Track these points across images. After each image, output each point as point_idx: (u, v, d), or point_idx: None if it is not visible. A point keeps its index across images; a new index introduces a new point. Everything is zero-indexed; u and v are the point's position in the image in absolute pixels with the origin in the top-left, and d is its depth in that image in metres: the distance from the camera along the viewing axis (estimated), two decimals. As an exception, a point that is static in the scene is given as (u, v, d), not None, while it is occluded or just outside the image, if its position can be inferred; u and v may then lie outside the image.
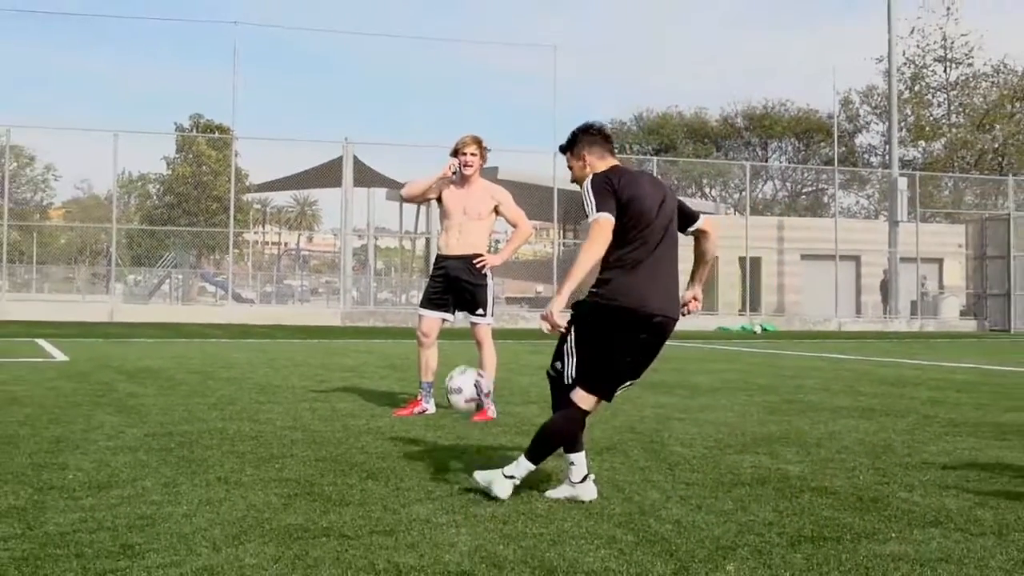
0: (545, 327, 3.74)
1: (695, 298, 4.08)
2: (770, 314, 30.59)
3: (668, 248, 3.83)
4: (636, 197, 3.79)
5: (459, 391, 5.72)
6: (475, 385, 5.73)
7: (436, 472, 4.32)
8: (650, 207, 3.80)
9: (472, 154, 6.28)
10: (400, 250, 53.10)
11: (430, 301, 6.43)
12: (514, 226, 6.48)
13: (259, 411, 6.38)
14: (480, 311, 6.39)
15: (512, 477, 3.78)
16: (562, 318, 3.71)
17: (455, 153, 6.33)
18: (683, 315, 3.93)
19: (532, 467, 3.80)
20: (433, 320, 6.40)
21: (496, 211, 6.41)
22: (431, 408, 6.43)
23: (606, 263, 3.77)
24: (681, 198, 3.99)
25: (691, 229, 4.00)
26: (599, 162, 3.95)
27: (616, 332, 3.75)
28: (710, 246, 4.05)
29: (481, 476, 3.83)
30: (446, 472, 4.32)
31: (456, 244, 6.36)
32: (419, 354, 6.50)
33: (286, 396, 7.36)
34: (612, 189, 3.79)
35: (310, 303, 37.79)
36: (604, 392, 3.83)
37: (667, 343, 3.87)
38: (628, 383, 3.86)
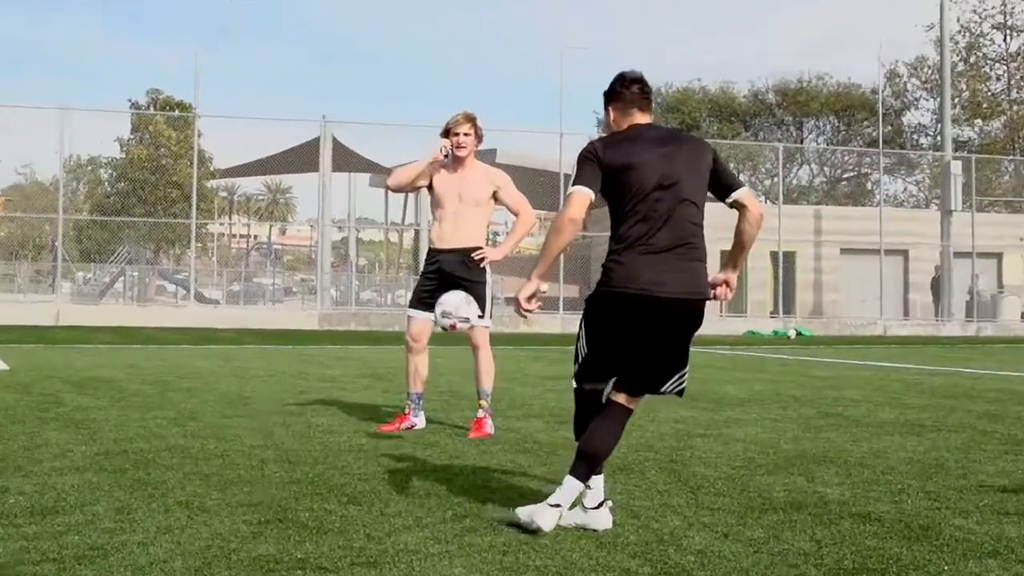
0: (519, 311, 3.90)
1: (727, 283, 3.97)
2: (806, 316, 30.60)
3: (683, 219, 3.74)
4: (632, 165, 3.74)
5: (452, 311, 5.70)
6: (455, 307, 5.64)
7: (426, 496, 4.31)
8: (650, 174, 3.74)
9: (465, 134, 6.28)
10: (385, 244, 53.14)
11: (420, 301, 6.41)
12: (515, 214, 6.47)
13: (225, 427, 6.38)
14: (477, 312, 6.35)
15: (557, 506, 3.71)
16: (535, 304, 3.83)
17: (446, 133, 6.32)
18: (712, 299, 3.87)
19: (580, 486, 3.76)
20: (424, 322, 6.39)
21: (495, 197, 6.40)
22: (420, 423, 6.43)
23: (609, 245, 3.78)
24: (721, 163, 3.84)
25: (729, 200, 3.88)
26: (622, 119, 3.91)
27: (625, 323, 3.73)
28: (750, 226, 3.89)
29: (523, 512, 3.72)
30: (438, 496, 4.32)
31: (450, 236, 6.34)
32: (407, 361, 6.49)
33: (256, 410, 7.36)
34: (595, 158, 3.78)
35: (283, 304, 37.79)
36: (631, 386, 3.80)
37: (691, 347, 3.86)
38: (675, 381, 3.81)
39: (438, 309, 5.62)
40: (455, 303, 5.62)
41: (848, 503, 4.32)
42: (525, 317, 3.79)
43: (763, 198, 45.88)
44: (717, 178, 3.87)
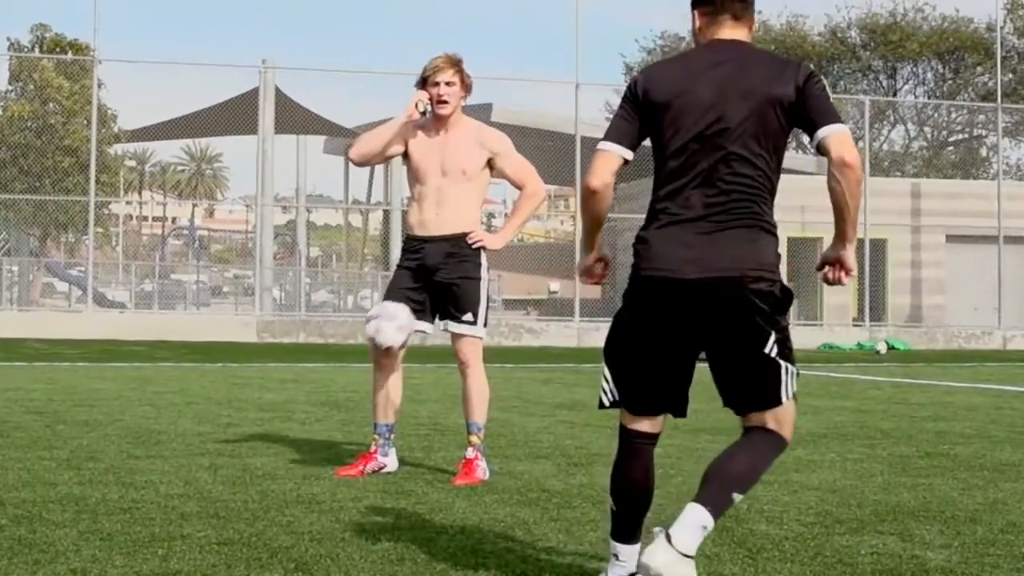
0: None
1: (839, 261, 3.74)
2: (900, 324, 30.62)
3: (728, 177, 3.65)
4: (670, 104, 3.68)
5: (393, 317, 5.95)
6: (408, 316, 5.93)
7: (399, 562, 4.31)
8: (690, 117, 3.66)
9: (448, 83, 6.25)
10: (345, 229, 53.21)
11: (392, 294, 6.41)
12: (519, 187, 6.46)
13: (134, 470, 6.37)
14: (467, 316, 6.34)
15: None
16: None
17: (423, 83, 6.30)
18: (829, 282, 3.77)
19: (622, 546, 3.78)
20: (401, 324, 6.34)
21: (490, 167, 6.38)
22: (391, 464, 6.44)
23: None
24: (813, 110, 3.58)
25: (814, 141, 3.67)
26: (707, 30, 3.82)
27: (649, 317, 3.73)
28: (836, 181, 3.60)
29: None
30: (414, 562, 4.32)
31: (433, 219, 6.31)
32: (374, 382, 6.48)
33: (174, 448, 7.36)
34: (631, 97, 3.76)
35: (210, 308, 37.84)
36: (635, 404, 3.94)
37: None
38: (766, 394, 3.81)
39: (372, 311, 5.75)
40: (393, 311, 5.76)
41: (955, 571, 4.31)
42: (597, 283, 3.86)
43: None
44: (803, 112, 3.66)
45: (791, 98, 3.64)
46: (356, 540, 4.66)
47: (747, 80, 3.66)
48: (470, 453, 6.31)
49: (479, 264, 6.36)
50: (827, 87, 3.70)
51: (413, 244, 6.38)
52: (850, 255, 3.71)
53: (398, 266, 6.50)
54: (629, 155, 3.74)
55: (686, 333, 3.73)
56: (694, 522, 3.62)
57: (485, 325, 6.43)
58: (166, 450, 7.24)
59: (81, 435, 7.90)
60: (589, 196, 3.78)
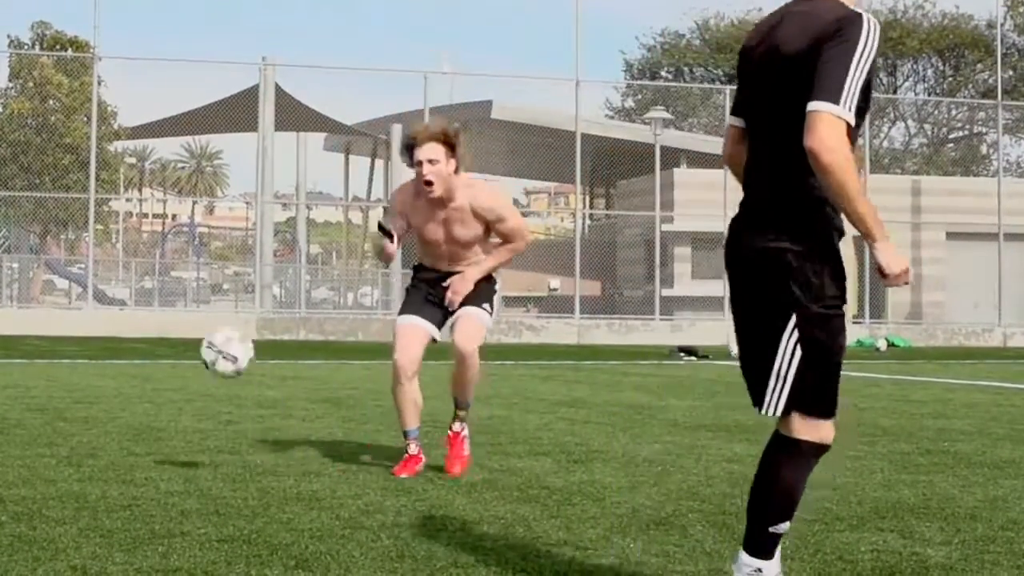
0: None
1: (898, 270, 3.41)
2: (900, 321, 30.63)
3: (753, 155, 3.57)
4: (738, 72, 3.71)
5: (235, 360, 6.08)
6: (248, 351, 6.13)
7: (399, 558, 4.31)
8: (740, 88, 3.68)
9: (431, 160, 6.13)
10: (345, 226, 53.19)
11: (417, 306, 6.49)
12: (506, 243, 6.56)
13: (134, 467, 6.37)
14: (477, 302, 6.47)
15: None
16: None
17: (408, 150, 6.24)
18: (897, 284, 3.45)
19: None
20: (419, 338, 6.40)
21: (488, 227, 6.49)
22: (421, 464, 6.48)
23: None
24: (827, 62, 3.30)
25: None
26: None
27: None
28: (819, 177, 3.31)
29: None
30: (414, 559, 4.32)
31: (446, 267, 6.50)
32: (398, 395, 6.43)
33: (174, 445, 7.36)
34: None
35: (210, 306, 37.84)
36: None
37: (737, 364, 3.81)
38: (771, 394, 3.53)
39: (207, 339, 6.02)
40: (224, 338, 6.01)
41: (955, 568, 4.31)
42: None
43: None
44: (810, 78, 3.32)
45: (805, 59, 3.42)
46: (356, 537, 4.66)
47: (778, 34, 3.61)
48: (457, 427, 6.51)
49: (493, 279, 6.57)
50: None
51: (427, 268, 6.54)
52: (880, 254, 3.37)
53: (411, 286, 6.60)
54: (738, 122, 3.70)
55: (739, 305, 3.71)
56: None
57: (493, 312, 6.58)
58: (166, 447, 7.24)
59: (81, 432, 7.91)
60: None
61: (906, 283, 3.45)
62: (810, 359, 3.43)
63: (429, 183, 6.14)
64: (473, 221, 6.34)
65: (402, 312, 6.50)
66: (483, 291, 6.50)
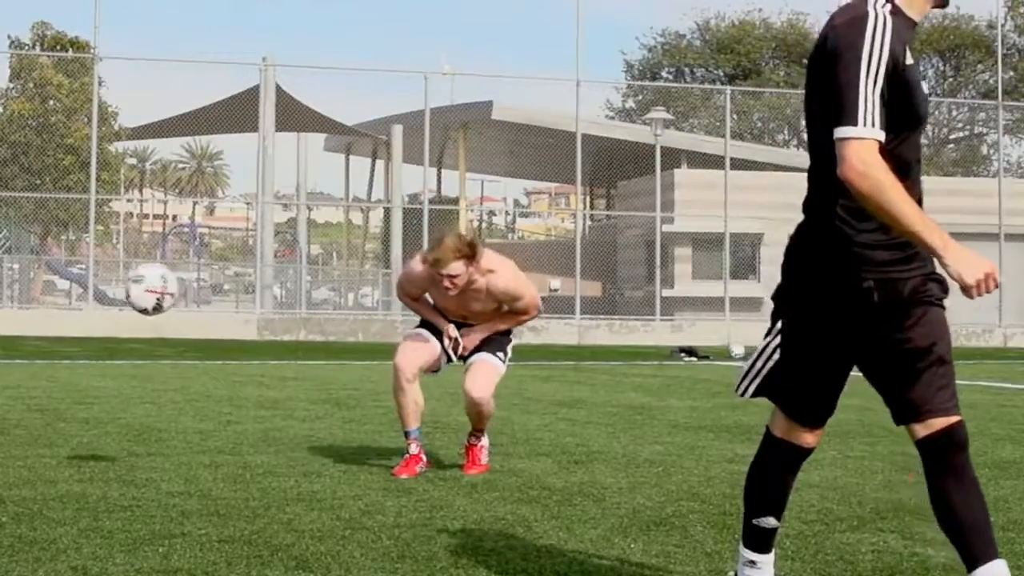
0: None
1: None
2: (901, 322, 30.53)
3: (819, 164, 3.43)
4: None
5: (140, 279, 6.23)
6: (162, 278, 6.30)
7: (399, 559, 4.32)
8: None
9: (454, 276, 6.33)
10: (346, 226, 53.19)
11: (426, 324, 6.70)
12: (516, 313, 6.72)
13: (135, 468, 6.38)
14: (491, 349, 6.66)
15: None
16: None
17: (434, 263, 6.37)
18: (981, 294, 3.21)
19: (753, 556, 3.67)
20: (424, 349, 6.57)
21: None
22: (423, 464, 6.54)
23: None
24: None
25: None
26: None
27: None
28: (862, 204, 3.21)
29: None
30: (414, 559, 4.32)
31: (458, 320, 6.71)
32: (400, 396, 6.53)
33: (174, 445, 7.36)
34: None
35: (211, 306, 37.85)
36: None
37: (743, 366, 3.84)
38: None
39: (137, 285, 6.29)
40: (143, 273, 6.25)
41: (956, 569, 4.31)
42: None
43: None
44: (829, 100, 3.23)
45: (818, 78, 3.34)
46: (357, 538, 4.66)
47: (824, 32, 3.40)
48: (474, 440, 6.61)
49: (510, 330, 6.77)
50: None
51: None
52: (950, 267, 3.12)
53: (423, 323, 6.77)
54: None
55: None
56: None
57: (508, 359, 6.77)
58: (167, 448, 7.24)
59: (82, 433, 7.91)
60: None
61: (994, 287, 3.13)
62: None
63: (450, 288, 6.37)
64: (489, 300, 6.55)
65: (420, 325, 6.75)
66: (500, 339, 6.68)
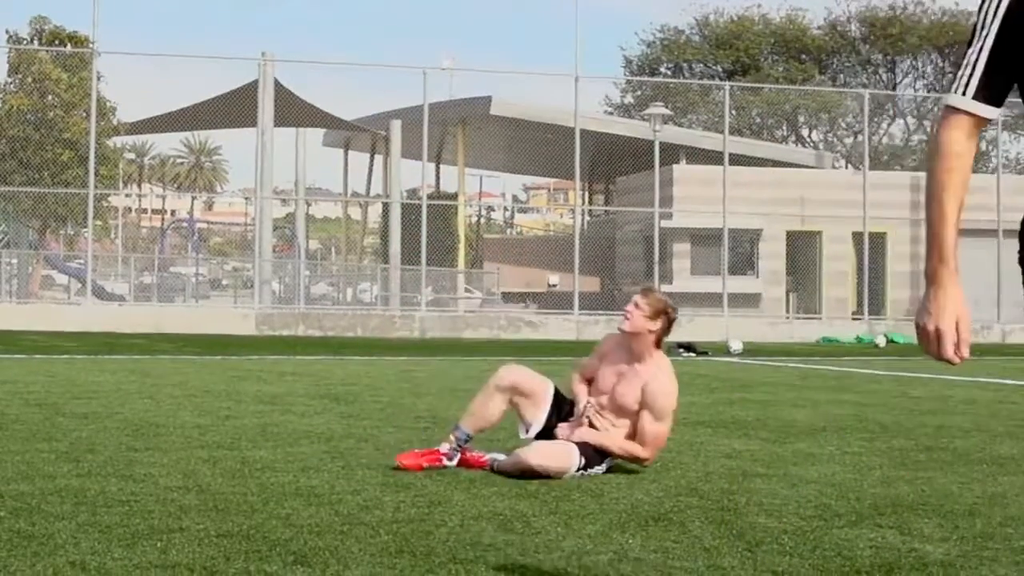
0: None
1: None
2: (899, 318, 30.60)
3: None
4: None
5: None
6: None
7: (398, 554, 4.31)
8: None
9: (637, 305, 6.34)
10: (344, 222, 53.21)
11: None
12: (638, 443, 6.38)
13: (133, 463, 6.37)
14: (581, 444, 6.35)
15: None
16: None
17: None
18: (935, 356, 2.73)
19: None
20: (537, 379, 6.51)
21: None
22: (454, 461, 6.38)
23: None
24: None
25: None
26: None
27: None
28: None
29: None
30: (412, 555, 4.32)
31: (586, 411, 6.44)
32: (483, 393, 6.46)
33: (173, 440, 7.36)
34: None
35: (209, 301, 37.83)
36: None
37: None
38: None
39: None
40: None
41: (954, 564, 4.31)
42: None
43: (843, 162, 45.95)
44: None
45: None
46: (355, 533, 4.66)
47: None
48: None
49: (607, 458, 6.37)
50: None
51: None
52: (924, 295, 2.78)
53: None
54: None
55: None
56: None
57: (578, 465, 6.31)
58: (165, 443, 7.24)
59: (80, 427, 7.90)
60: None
61: (952, 360, 2.67)
62: None
63: (626, 317, 6.38)
64: (636, 392, 6.34)
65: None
66: (596, 453, 6.30)
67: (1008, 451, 7.49)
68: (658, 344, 6.43)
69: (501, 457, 6.32)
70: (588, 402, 6.44)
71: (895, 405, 10.77)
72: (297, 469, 6.26)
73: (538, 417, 6.47)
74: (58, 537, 4.49)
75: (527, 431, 6.49)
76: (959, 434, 8.40)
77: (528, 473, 6.10)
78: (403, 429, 8.10)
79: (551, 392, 6.53)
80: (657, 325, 6.37)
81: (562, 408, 6.51)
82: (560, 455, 6.21)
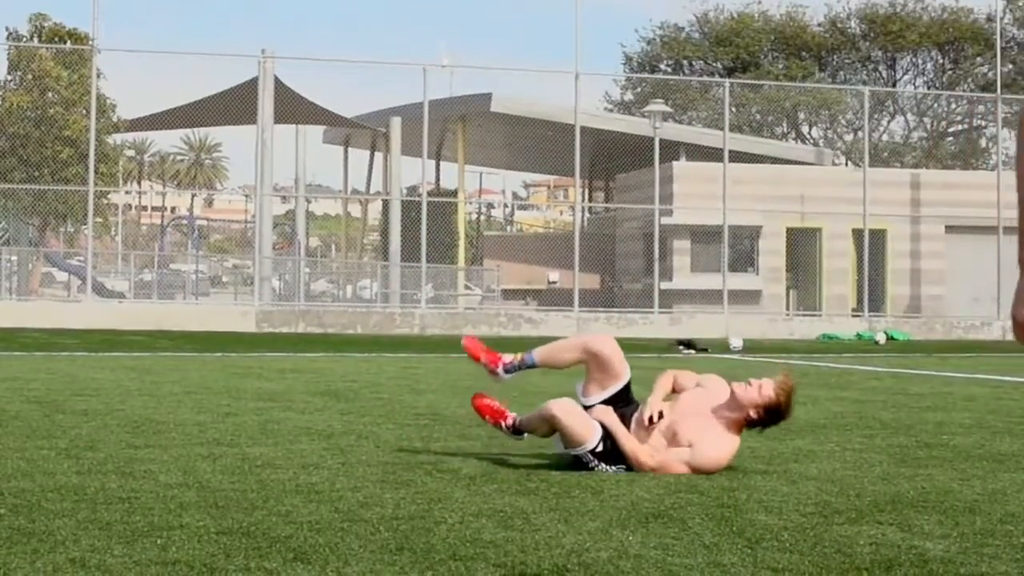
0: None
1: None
2: (899, 315, 30.64)
3: None
4: None
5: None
6: None
7: (398, 551, 4.31)
8: None
9: (760, 385, 6.28)
10: (344, 219, 53.17)
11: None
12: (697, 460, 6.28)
13: (133, 460, 6.37)
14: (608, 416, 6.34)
15: None
16: None
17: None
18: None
19: None
20: (619, 357, 6.48)
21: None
22: (506, 378, 6.74)
23: None
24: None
25: None
26: None
27: None
28: None
29: None
30: (412, 551, 4.31)
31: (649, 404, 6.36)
32: (572, 338, 6.69)
33: (173, 437, 7.36)
34: None
35: (209, 298, 37.85)
36: None
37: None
38: None
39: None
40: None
41: (955, 561, 4.31)
42: None
43: (843, 159, 45.94)
44: None
45: None
46: (355, 529, 4.66)
47: None
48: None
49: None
50: None
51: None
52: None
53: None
54: None
55: None
56: None
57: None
58: (165, 440, 7.24)
59: (80, 425, 7.91)
60: None
61: None
62: None
63: (748, 384, 6.33)
64: (695, 436, 6.21)
65: None
66: (613, 451, 6.22)
67: (1008, 448, 7.49)
68: (745, 426, 6.29)
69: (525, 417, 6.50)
70: (659, 409, 6.30)
71: (895, 402, 10.78)
72: (297, 466, 6.26)
73: (597, 394, 6.48)
74: (58, 534, 4.48)
75: (582, 395, 6.56)
76: (959, 431, 8.40)
77: (547, 423, 6.30)
78: (403, 426, 8.10)
79: (623, 382, 6.50)
80: (758, 415, 6.27)
81: (621, 401, 6.45)
82: (585, 425, 6.25)
